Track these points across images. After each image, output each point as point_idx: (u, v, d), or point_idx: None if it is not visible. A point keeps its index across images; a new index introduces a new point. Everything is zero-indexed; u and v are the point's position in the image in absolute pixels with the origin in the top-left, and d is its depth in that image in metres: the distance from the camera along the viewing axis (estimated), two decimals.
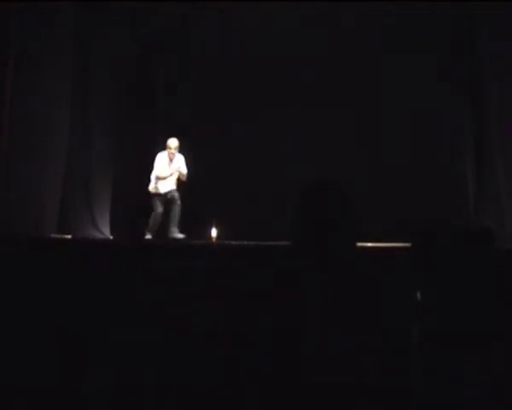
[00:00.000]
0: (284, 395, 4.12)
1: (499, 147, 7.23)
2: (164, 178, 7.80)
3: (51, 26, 7.20)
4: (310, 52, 8.32)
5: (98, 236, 7.24)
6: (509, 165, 7.07)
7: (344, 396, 3.95)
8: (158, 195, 7.79)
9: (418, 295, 3.97)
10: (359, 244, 5.17)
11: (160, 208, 7.77)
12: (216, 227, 7.05)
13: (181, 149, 7.89)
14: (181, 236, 7.51)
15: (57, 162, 6.99)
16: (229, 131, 8.09)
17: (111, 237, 7.30)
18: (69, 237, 6.51)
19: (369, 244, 5.27)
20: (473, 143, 7.77)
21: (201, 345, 4.32)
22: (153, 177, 7.85)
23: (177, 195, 7.73)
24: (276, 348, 4.33)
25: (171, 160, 7.84)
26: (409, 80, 7.99)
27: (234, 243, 5.78)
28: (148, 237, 7.63)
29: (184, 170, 7.91)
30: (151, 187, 7.85)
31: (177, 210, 7.65)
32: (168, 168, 7.80)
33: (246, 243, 5.64)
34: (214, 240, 6.80)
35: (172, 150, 7.76)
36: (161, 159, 7.87)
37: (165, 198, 7.77)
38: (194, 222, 7.44)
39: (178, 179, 7.92)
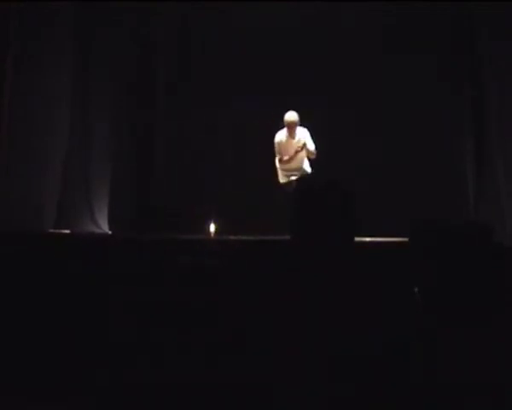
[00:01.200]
0: (285, 393, 4.11)
1: (499, 147, 7.23)
2: (287, 162, 6.68)
3: (51, 26, 7.21)
4: (310, 52, 8.34)
5: (97, 231, 7.23)
6: (509, 165, 7.06)
7: (344, 394, 3.94)
8: (288, 184, 6.61)
9: (416, 290, 3.97)
10: (358, 239, 5.16)
11: None
12: (214, 222, 6.99)
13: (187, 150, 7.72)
14: None
15: (56, 159, 6.99)
16: (229, 130, 8.10)
17: (109, 232, 7.29)
18: (68, 231, 6.50)
19: (368, 239, 5.27)
20: (473, 143, 7.77)
21: (200, 340, 4.31)
22: (277, 163, 6.81)
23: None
24: (275, 344, 4.32)
25: (292, 137, 6.72)
26: (409, 80, 8.00)
27: (233, 237, 5.77)
28: None
29: (311, 145, 6.73)
30: (281, 178, 6.79)
31: None
32: (290, 148, 6.66)
33: (245, 238, 5.64)
34: (212, 235, 6.75)
35: (292, 126, 6.67)
36: (281, 138, 6.76)
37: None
38: (192, 217, 7.42)
39: (309, 160, 6.86)
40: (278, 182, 6.88)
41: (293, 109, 7.99)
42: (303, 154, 6.70)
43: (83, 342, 4.49)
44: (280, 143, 6.70)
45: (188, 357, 4.25)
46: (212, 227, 6.51)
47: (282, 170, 6.81)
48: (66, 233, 6.39)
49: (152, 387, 4.09)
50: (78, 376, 4.23)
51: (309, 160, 6.88)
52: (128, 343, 4.38)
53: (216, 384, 4.06)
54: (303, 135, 6.78)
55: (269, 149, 8.07)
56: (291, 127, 6.66)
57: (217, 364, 4.19)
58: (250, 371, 4.17)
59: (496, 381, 3.49)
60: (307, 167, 6.86)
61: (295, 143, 6.69)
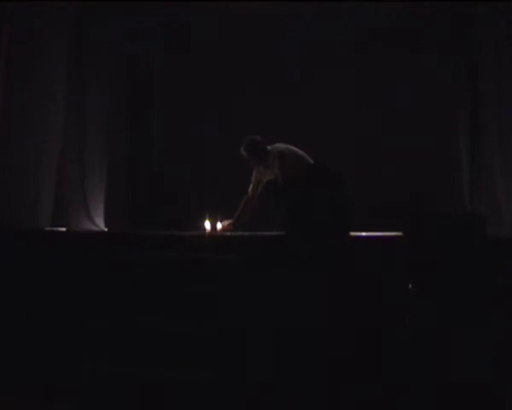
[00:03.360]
0: (284, 385, 4.08)
1: (496, 143, 7.21)
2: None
3: (49, 26, 7.16)
4: (310, 50, 8.37)
5: (93, 228, 7.19)
6: (506, 161, 7.04)
7: (343, 386, 3.92)
8: None
9: (410, 285, 3.96)
10: (353, 233, 5.13)
11: None
12: (209, 220, 6.87)
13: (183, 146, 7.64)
14: None
15: (52, 156, 6.94)
16: (228, 130, 8.11)
17: (105, 230, 7.26)
18: (64, 229, 6.47)
19: (364, 233, 5.25)
20: (469, 140, 7.75)
21: (198, 334, 4.30)
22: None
23: None
24: (274, 338, 4.29)
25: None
26: (408, 78, 8.04)
27: (228, 234, 5.74)
28: None
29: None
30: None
31: None
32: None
33: (240, 233, 5.60)
34: (208, 232, 6.64)
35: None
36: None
37: None
38: (188, 215, 7.38)
39: None
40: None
41: (294, 106, 8.04)
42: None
43: (80, 338, 4.49)
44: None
45: (186, 351, 4.24)
46: (208, 224, 6.42)
47: None
48: (63, 231, 6.36)
49: (150, 384, 4.08)
50: (75, 371, 4.23)
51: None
52: (126, 338, 4.38)
53: (213, 379, 4.06)
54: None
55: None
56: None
57: (215, 358, 4.19)
58: (248, 368, 4.17)
59: (491, 369, 3.48)
60: None
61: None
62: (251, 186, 6.15)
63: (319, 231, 4.59)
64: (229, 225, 6.03)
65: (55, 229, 6.26)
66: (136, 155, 8.14)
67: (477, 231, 3.68)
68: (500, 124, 7.11)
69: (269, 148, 5.99)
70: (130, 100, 8.19)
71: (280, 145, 5.98)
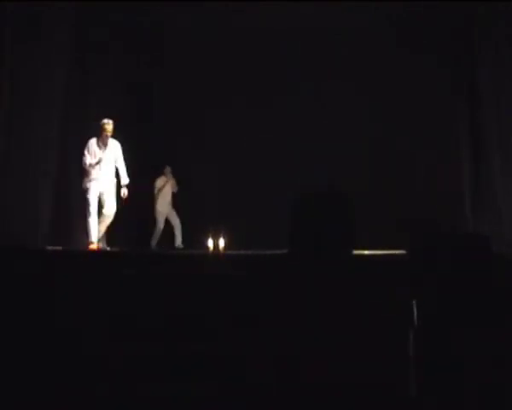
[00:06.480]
0: (285, 396, 4.07)
1: (496, 147, 7.20)
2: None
3: (49, 26, 7.11)
4: (310, 54, 8.36)
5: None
6: (506, 162, 7.03)
7: (343, 397, 3.90)
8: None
9: (414, 302, 3.93)
10: (357, 252, 5.11)
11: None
12: (213, 238, 6.88)
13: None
14: None
15: (51, 173, 6.92)
16: (229, 133, 8.11)
17: (108, 249, 7.24)
18: (59, 248, 6.45)
19: (367, 252, 5.24)
20: (469, 140, 7.75)
21: (200, 352, 4.30)
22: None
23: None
24: (276, 353, 4.29)
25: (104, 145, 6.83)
26: (408, 81, 8.03)
27: (231, 252, 5.75)
28: None
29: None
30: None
31: None
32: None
33: (243, 252, 5.60)
34: (212, 250, 6.66)
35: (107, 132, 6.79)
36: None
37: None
38: (192, 233, 7.36)
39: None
40: None
41: (291, 116, 8.01)
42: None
43: (75, 356, 4.47)
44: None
45: (186, 369, 4.24)
46: (211, 242, 6.41)
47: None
48: (59, 250, 6.33)
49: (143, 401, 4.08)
50: (65, 390, 4.21)
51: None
52: (124, 357, 4.37)
53: (214, 396, 4.06)
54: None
55: (269, 157, 8.08)
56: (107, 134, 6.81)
57: (214, 374, 4.18)
58: (249, 383, 4.17)
59: (495, 384, 3.46)
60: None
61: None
62: None
63: (322, 248, 4.57)
64: None
65: (56, 248, 6.24)
66: (138, 172, 8.10)
67: (481, 250, 3.65)
68: (500, 124, 7.10)
69: None
70: (130, 100, 8.15)
71: None
